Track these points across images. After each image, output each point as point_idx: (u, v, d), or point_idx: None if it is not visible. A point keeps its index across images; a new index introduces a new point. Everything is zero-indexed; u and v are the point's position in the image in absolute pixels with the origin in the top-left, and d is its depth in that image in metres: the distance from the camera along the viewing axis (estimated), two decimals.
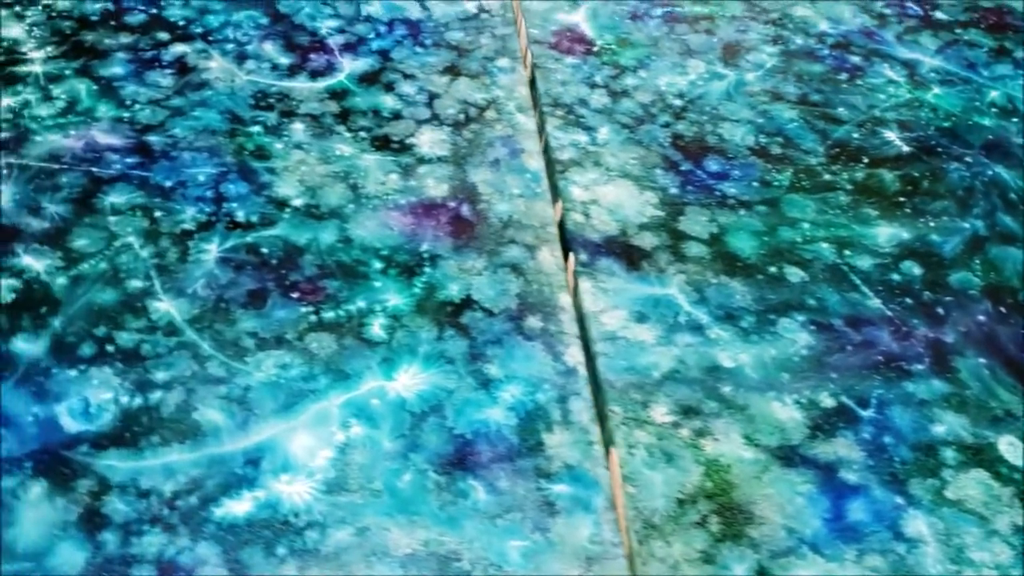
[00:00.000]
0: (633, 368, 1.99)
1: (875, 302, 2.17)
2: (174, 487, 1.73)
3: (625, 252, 2.22)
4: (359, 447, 1.81)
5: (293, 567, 1.64)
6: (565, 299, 2.12)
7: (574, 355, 2.01)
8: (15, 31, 2.60)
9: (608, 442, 1.87)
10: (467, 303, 2.08)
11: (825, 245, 2.29)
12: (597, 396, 1.94)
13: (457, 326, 2.03)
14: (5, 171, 2.22)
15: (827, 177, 2.47)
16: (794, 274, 2.22)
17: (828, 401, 1.97)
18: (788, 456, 1.87)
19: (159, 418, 1.82)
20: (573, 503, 1.77)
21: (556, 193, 2.36)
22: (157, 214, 2.18)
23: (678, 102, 2.65)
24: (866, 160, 2.53)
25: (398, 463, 1.79)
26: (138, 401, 1.84)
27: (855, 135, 2.60)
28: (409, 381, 1.92)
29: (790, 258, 2.25)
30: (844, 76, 2.78)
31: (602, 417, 1.90)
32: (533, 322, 2.06)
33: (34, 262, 2.05)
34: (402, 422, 1.85)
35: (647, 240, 2.26)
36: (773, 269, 2.23)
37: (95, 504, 1.69)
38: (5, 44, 2.56)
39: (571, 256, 2.20)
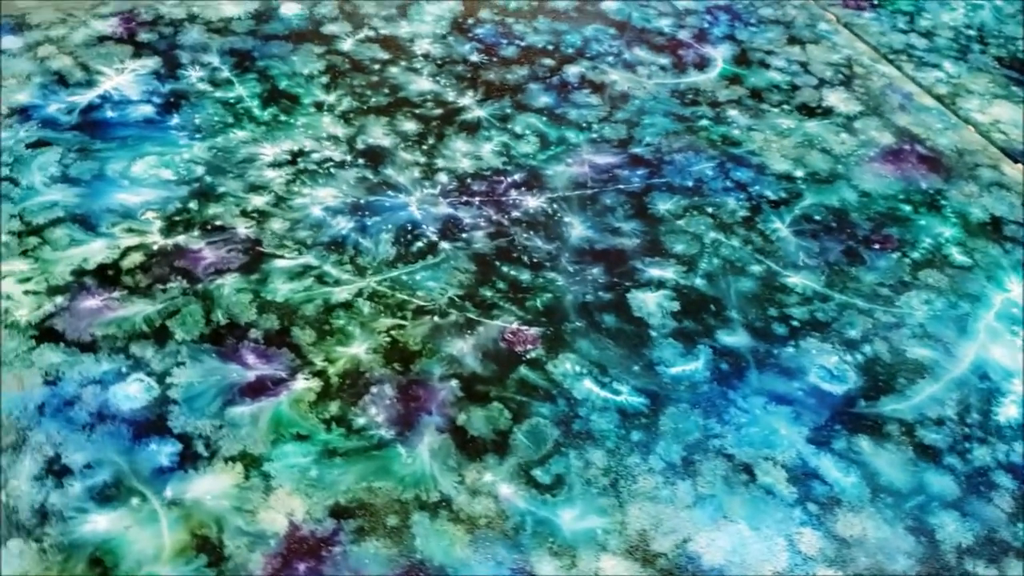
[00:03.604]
0: None
1: None
2: (954, 411, 2.05)
3: None
4: None
5: None
6: None
7: None
8: (426, 84, 2.72)
9: None
10: (995, 221, 2.48)
11: None
12: None
13: (1005, 239, 2.44)
14: (555, 205, 2.39)
15: None
16: None
17: None
18: None
19: (891, 364, 2.12)
20: None
21: (964, 120, 2.78)
22: (709, 210, 2.43)
23: (971, 32, 3.12)
24: None
25: None
26: (865, 355, 2.13)
27: None
28: (1018, 289, 2.32)
29: None
30: None
31: None
32: None
33: (661, 272, 2.27)
34: None
35: None
36: None
37: (913, 441, 1.99)
38: (431, 98, 2.67)
39: (1021, 165, 2.64)
